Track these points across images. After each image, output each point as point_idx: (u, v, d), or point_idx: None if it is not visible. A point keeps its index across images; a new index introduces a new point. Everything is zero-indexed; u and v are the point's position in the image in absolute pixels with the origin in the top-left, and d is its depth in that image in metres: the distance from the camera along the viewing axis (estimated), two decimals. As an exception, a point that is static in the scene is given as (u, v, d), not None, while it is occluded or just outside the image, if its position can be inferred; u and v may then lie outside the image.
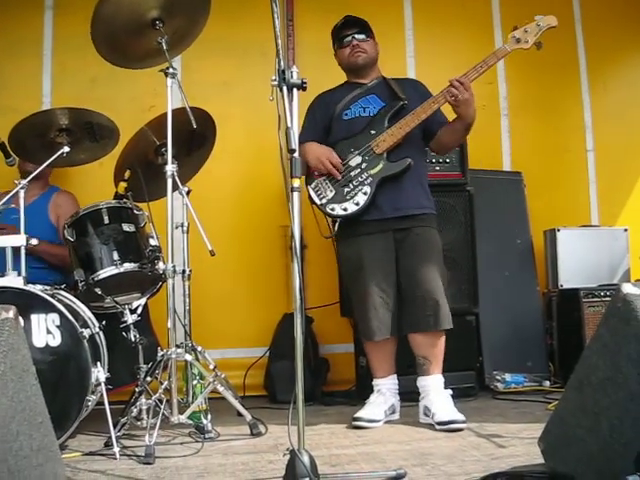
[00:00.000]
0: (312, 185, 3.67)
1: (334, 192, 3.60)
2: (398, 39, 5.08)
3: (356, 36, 3.76)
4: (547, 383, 4.43)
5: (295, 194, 2.32)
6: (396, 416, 3.64)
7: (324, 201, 3.61)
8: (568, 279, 4.75)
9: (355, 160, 3.60)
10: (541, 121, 5.32)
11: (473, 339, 4.38)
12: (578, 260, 4.80)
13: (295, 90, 2.34)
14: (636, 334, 1.99)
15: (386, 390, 3.63)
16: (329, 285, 4.58)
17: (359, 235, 3.62)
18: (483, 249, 4.50)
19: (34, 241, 3.42)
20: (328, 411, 3.99)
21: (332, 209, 3.59)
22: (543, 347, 4.68)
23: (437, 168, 4.30)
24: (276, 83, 2.32)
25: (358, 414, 3.49)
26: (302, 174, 3.63)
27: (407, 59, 5.11)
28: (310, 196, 3.66)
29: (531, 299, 4.77)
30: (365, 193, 3.54)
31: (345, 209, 3.57)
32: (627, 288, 2.06)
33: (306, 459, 2.19)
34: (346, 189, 3.58)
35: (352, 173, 3.59)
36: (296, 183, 2.32)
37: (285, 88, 2.30)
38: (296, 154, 2.27)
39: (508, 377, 4.38)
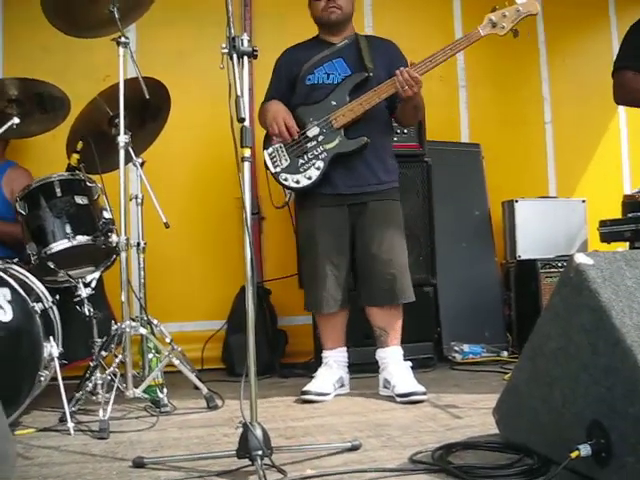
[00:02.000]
0: (269, 150, 3.61)
1: (288, 161, 3.54)
2: (356, 11, 5.01)
3: None
4: (505, 353, 4.48)
5: (246, 164, 2.28)
6: (346, 389, 3.62)
7: (278, 169, 3.56)
8: (526, 250, 4.79)
9: (313, 131, 3.53)
10: (499, 93, 5.34)
11: (431, 310, 4.40)
12: (536, 231, 4.85)
13: (246, 58, 2.29)
14: (588, 304, 1.99)
15: (333, 362, 3.60)
16: (287, 257, 4.55)
17: (314, 207, 3.58)
18: (441, 220, 4.51)
19: None
20: (286, 383, 3.99)
21: (285, 179, 3.55)
22: (501, 317, 4.74)
23: (395, 139, 4.24)
24: (226, 51, 2.27)
25: (306, 387, 3.47)
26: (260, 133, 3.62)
27: (365, 29, 5.05)
28: (265, 162, 3.61)
29: (489, 270, 4.82)
30: (318, 168, 3.50)
31: (297, 182, 3.53)
32: (579, 258, 2.06)
33: (259, 432, 2.18)
34: (300, 160, 3.53)
35: (308, 144, 3.53)
36: (246, 153, 2.27)
37: (235, 56, 2.24)
38: (246, 123, 2.22)
39: (466, 348, 4.42)
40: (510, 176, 5.15)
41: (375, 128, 3.58)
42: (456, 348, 4.42)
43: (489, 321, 4.67)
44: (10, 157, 4.19)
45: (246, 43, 2.29)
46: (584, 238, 4.94)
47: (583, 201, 5.01)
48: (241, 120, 2.20)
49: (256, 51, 2.31)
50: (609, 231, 4.54)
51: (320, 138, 3.52)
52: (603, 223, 4.60)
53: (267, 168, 3.61)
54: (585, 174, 5.45)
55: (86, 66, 4.50)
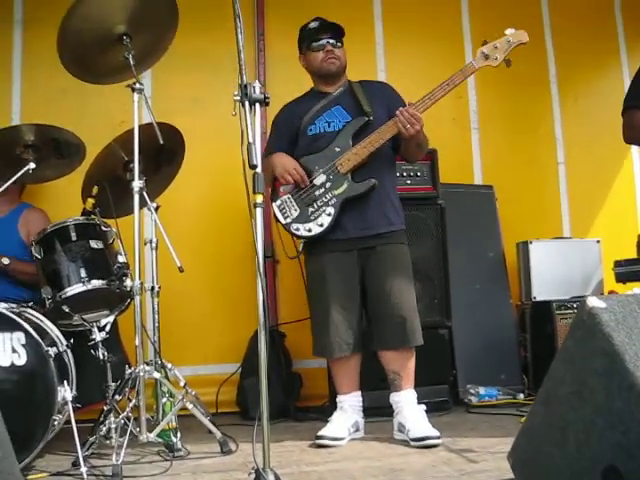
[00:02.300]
0: (277, 203, 3.64)
1: (298, 211, 3.57)
2: (369, 54, 5.09)
3: (330, 41, 3.68)
4: (521, 396, 4.43)
5: (258, 210, 2.30)
6: (360, 434, 3.59)
7: (288, 220, 3.58)
8: (541, 291, 4.77)
9: (320, 179, 3.56)
10: (512, 134, 5.36)
11: (446, 353, 4.38)
12: (551, 272, 4.82)
13: (258, 105, 2.32)
14: (601, 347, 1.98)
15: (348, 407, 3.59)
16: (301, 300, 4.50)
17: (323, 253, 3.59)
18: (455, 262, 4.50)
19: (5, 260, 3.40)
20: (300, 427, 3.96)
21: (296, 229, 3.57)
22: (517, 360, 4.69)
23: (408, 182, 4.30)
24: (238, 98, 2.30)
25: (321, 432, 3.45)
26: (268, 185, 3.66)
27: (378, 73, 5.12)
28: (274, 214, 3.64)
29: (504, 312, 4.78)
30: (329, 214, 3.51)
31: (309, 230, 3.54)
32: (592, 301, 2.05)
33: (271, 478, 2.16)
34: (310, 209, 3.55)
35: (316, 192, 3.55)
36: (259, 199, 2.29)
37: (247, 103, 2.28)
38: (259, 169, 2.25)
39: (482, 390, 4.38)
40: (524, 217, 5.15)
41: (381, 169, 3.61)
42: (472, 391, 4.38)
43: (505, 363, 4.63)
44: (27, 200, 4.25)
45: (258, 90, 2.33)
46: (599, 278, 4.90)
47: (598, 241, 4.98)
48: (253, 167, 2.23)
49: (268, 98, 2.35)
50: (624, 271, 4.53)
51: (328, 185, 3.54)
52: (618, 263, 4.60)
53: (277, 220, 3.64)
54: (599, 214, 5.43)
55: (102, 111, 4.58)
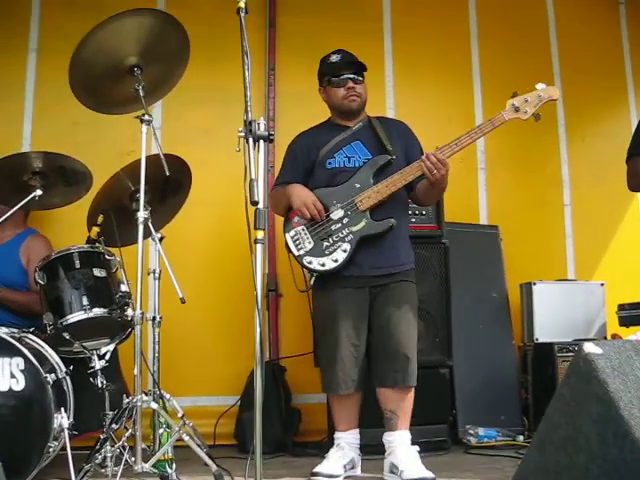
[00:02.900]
0: (291, 234, 3.60)
1: (312, 244, 3.54)
2: (378, 90, 5.12)
3: (352, 77, 3.66)
4: (521, 437, 4.39)
5: (258, 246, 2.31)
6: (357, 471, 3.57)
7: (302, 252, 3.55)
8: (544, 333, 4.75)
9: (337, 214, 3.53)
10: (518, 175, 5.39)
11: (446, 392, 4.35)
12: (554, 314, 4.81)
13: (262, 142, 2.34)
14: (596, 394, 1.97)
15: (345, 444, 3.55)
16: (303, 334, 4.54)
17: (335, 288, 3.56)
18: (458, 302, 4.50)
19: None
20: (297, 463, 3.93)
21: (309, 262, 3.53)
22: (517, 401, 4.67)
23: (413, 220, 4.29)
24: (243, 134, 2.33)
25: (317, 469, 3.43)
26: (280, 214, 3.65)
27: (387, 110, 5.16)
28: (287, 245, 3.61)
29: (506, 352, 4.77)
30: (345, 250, 3.48)
31: (323, 264, 3.51)
32: (588, 347, 2.04)
33: (263, 514, 2.15)
34: (325, 243, 3.52)
35: (333, 227, 3.52)
36: (259, 235, 2.31)
37: (251, 139, 2.30)
38: (260, 206, 2.27)
39: (481, 431, 4.34)
40: (529, 258, 5.16)
41: (398, 209, 3.62)
42: (471, 431, 4.34)
43: (505, 404, 4.60)
44: (34, 224, 4.28)
45: (262, 127, 2.35)
46: (602, 321, 4.89)
47: (602, 284, 4.97)
48: (254, 203, 2.24)
49: (272, 135, 2.37)
50: (628, 315, 4.53)
51: (345, 220, 3.52)
52: (622, 307, 4.59)
53: (289, 251, 3.60)
54: (604, 257, 5.43)
55: (112, 141, 4.64)
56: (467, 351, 4.55)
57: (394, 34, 5.34)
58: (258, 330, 2.33)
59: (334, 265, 3.50)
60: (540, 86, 3.47)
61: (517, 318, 4.91)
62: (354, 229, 3.50)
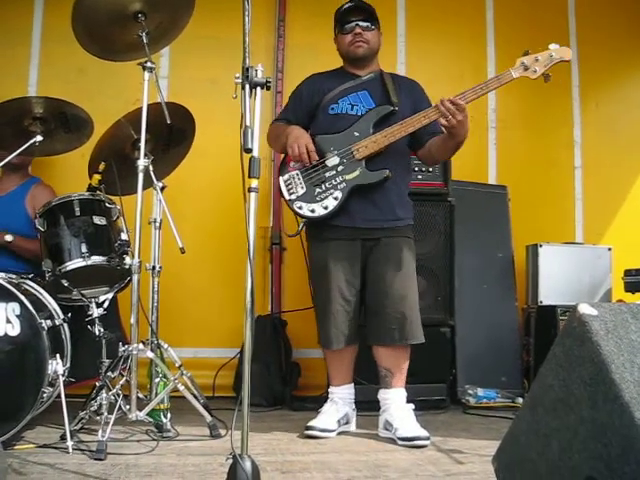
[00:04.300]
0: (284, 177, 3.55)
1: (305, 190, 3.48)
2: (390, 46, 5.02)
3: (360, 23, 3.58)
4: (520, 400, 4.36)
5: (252, 194, 2.28)
6: (351, 426, 3.57)
7: (293, 197, 3.50)
8: (548, 295, 4.71)
9: (333, 160, 3.47)
10: (530, 135, 5.31)
11: (447, 351, 4.34)
12: (559, 277, 4.77)
13: (259, 89, 2.30)
14: (589, 356, 1.94)
15: (339, 399, 3.55)
16: (306, 289, 4.51)
17: (327, 240, 3.52)
18: (463, 261, 4.48)
19: (9, 237, 3.40)
20: (295, 416, 3.94)
21: (299, 207, 3.48)
22: (519, 363, 4.65)
23: (419, 177, 4.25)
24: (239, 81, 2.29)
25: (311, 423, 3.42)
26: (278, 152, 3.58)
27: (398, 66, 5.09)
28: (280, 188, 3.56)
29: (509, 314, 4.74)
30: (336, 198, 3.43)
31: (313, 210, 3.46)
32: (583, 308, 2.01)
33: (248, 465, 2.15)
34: (317, 189, 3.46)
35: (327, 174, 3.47)
36: (253, 183, 2.28)
37: (248, 86, 2.26)
38: (255, 153, 2.23)
39: (480, 392, 4.33)
40: (537, 220, 5.10)
41: (396, 163, 3.53)
42: (470, 392, 4.33)
43: (506, 366, 4.58)
44: (38, 172, 4.26)
45: (260, 74, 2.31)
46: (608, 287, 4.84)
47: (609, 249, 4.91)
48: (248, 151, 2.21)
49: (269, 82, 2.32)
50: (634, 280, 4.49)
51: (340, 168, 3.46)
52: (628, 272, 4.55)
53: (282, 195, 3.57)
54: (614, 221, 5.36)
55: (118, 89, 4.59)
56: (470, 311, 4.53)
57: (407, -9, 5.24)
58: (249, 280, 2.29)
59: (324, 212, 3.45)
60: (553, 46, 3.36)
61: (522, 280, 4.87)
62: (348, 177, 3.45)
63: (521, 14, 5.10)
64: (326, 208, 3.45)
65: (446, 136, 3.43)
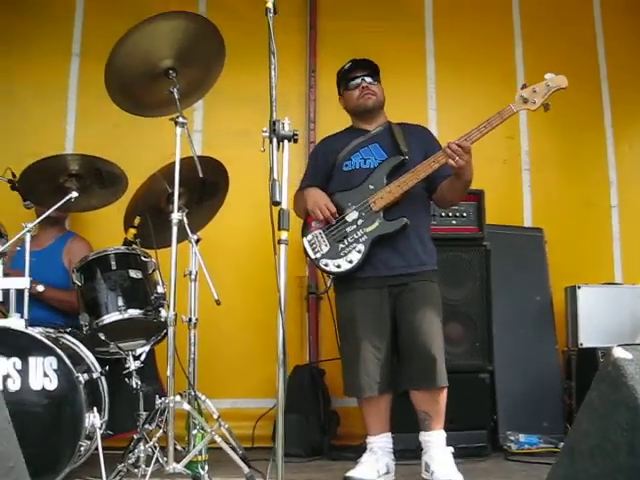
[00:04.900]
0: (308, 238, 3.63)
1: (329, 247, 3.55)
2: (420, 92, 5.09)
3: (366, 79, 3.71)
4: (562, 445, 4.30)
5: (282, 246, 2.31)
6: (391, 476, 3.51)
7: (318, 255, 3.57)
8: (588, 338, 4.63)
9: (352, 215, 3.54)
10: (564, 176, 5.29)
11: (487, 397, 4.27)
12: (599, 318, 4.69)
13: (286, 142, 2.33)
14: (625, 401, 1.92)
15: (378, 449, 3.51)
16: (343, 337, 4.53)
17: (353, 289, 3.56)
18: (501, 305, 4.44)
19: (40, 288, 3.46)
20: (334, 466, 3.91)
21: (325, 264, 3.55)
22: (560, 407, 4.57)
23: (453, 222, 4.26)
24: (267, 134, 2.32)
25: (349, 473, 3.39)
26: (302, 217, 3.65)
27: (429, 112, 5.12)
28: (305, 249, 3.63)
29: (549, 357, 4.67)
30: (359, 251, 3.48)
31: (338, 266, 3.52)
32: (618, 352, 2.00)
33: (283, 517, 2.14)
34: (341, 245, 3.53)
35: (348, 229, 3.53)
36: (283, 235, 2.30)
37: (275, 139, 2.29)
38: (284, 205, 2.26)
39: (522, 437, 4.25)
40: (574, 261, 5.05)
41: (414, 210, 3.58)
42: (512, 438, 4.25)
43: (548, 410, 4.50)
44: (76, 227, 4.34)
45: (287, 127, 2.35)
46: (650, 327, 4.76)
47: (649, 288, 4.83)
48: (276, 204, 2.24)
49: (296, 135, 2.36)
50: (675, 321, 4.39)
51: (360, 222, 3.52)
52: (668, 312, 4.46)
53: (307, 255, 3.63)
54: (653, 260, 5.28)
55: (154, 144, 4.67)
56: (509, 355, 4.47)
57: (436, 34, 5.29)
58: (280, 332, 2.33)
59: (349, 266, 3.50)
60: (549, 76, 3.39)
61: (561, 322, 4.80)
62: (368, 230, 3.50)
63: (550, 57, 5.10)
64: (351, 262, 3.50)
65: (453, 177, 3.48)
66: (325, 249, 3.56)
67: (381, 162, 3.62)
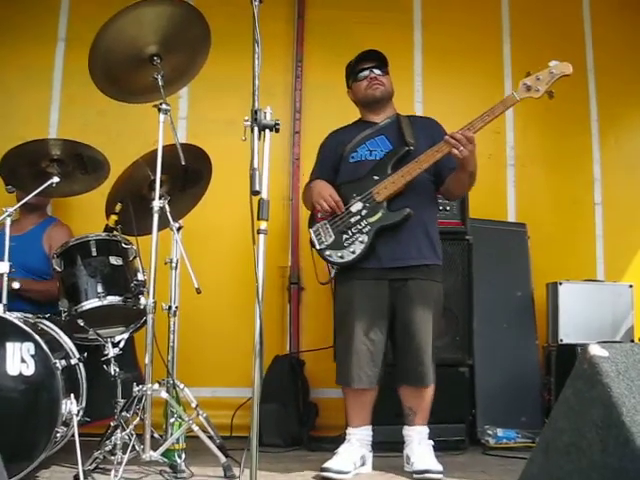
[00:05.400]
0: (313, 229, 3.64)
1: (333, 238, 3.55)
2: (407, 84, 5.06)
3: (374, 70, 3.71)
4: (541, 440, 4.31)
5: (261, 236, 2.30)
6: (367, 468, 3.53)
7: (323, 246, 3.57)
8: (568, 334, 4.64)
9: (356, 206, 3.54)
10: (548, 172, 5.29)
11: (465, 391, 4.28)
12: (580, 315, 4.69)
13: (268, 131, 2.32)
14: (600, 399, 1.92)
15: (356, 440, 3.52)
16: (324, 328, 4.50)
17: (354, 279, 3.56)
18: (482, 300, 4.45)
19: (15, 284, 3.42)
20: (311, 457, 3.90)
21: (329, 255, 3.55)
22: (539, 402, 4.58)
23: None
24: (248, 124, 2.31)
25: (326, 464, 3.39)
26: (310, 210, 3.63)
27: (415, 105, 5.11)
28: (310, 239, 3.64)
29: (529, 353, 4.68)
30: (362, 242, 3.49)
31: (342, 257, 3.52)
32: (594, 349, 2.00)
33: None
34: (345, 236, 3.53)
35: (352, 219, 3.53)
36: (262, 225, 2.29)
37: (256, 129, 2.28)
38: (264, 195, 2.25)
39: (500, 432, 4.26)
40: (556, 257, 5.05)
41: (419, 201, 3.58)
42: (489, 432, 4.26)
43: (527, 405, 4.51)
44: (58, 212, 4.31)
45: (269, 116, 2.33)
46: (630, 324, 4.76)
47: (630, 286, 4.83)
48: (255, 193, 2.23)
49: (278, 125, 2.35)
50: (657, 318, 4.41)
51: (363, 212, 3.52)
52: (650, 309, 4.48)
53: (312, 245, 3.63)
54: (635, 259, 5.28)
55: (137, 130, 4.63)
56: (489, 350, 4.48)
57: (424, 27, 5.27)
58: (258, 322, 2.32)
59: (352, 257, 3.51)
60: (553, 63, 3.37)
61: (542, 318, 4.81)
62: (371, 220, 3.50)
63: (538, 52, 5.07)
64: (354, 252, 3.50)
65: (458, 169, 3.49)
66: (330, 240, 3.56)
67: (386, 153, 3.62)
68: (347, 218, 3.55)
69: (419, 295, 3.52)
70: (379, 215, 3.51)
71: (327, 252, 3.56)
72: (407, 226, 3.52)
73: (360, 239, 3.50)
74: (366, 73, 3.72)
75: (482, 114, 3.42)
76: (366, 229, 3.50)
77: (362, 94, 3.75)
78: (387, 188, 3.50)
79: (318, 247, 3.60)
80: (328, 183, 3.67)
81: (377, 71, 3.72)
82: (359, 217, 3.53)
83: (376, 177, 3.56)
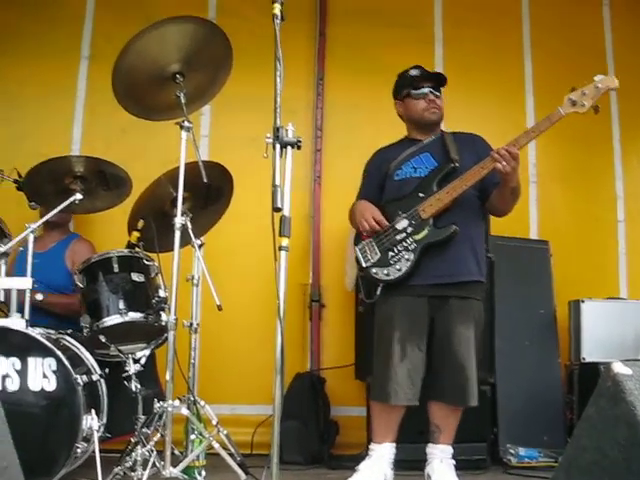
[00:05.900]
0: (359, 246, 3.62)
1: (379, 255, 3.52)
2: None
3: (433, 91, 3.68)
4: (563, 459, 4.26)
5: (282, 253, 2.30)
6: (388, 486, 3.50)
7: (369, 264, 3.54)
8: (591, 352, 4.59)
9: (402, 223, 3.51)
10: (570, 189, 5.27)
11: (487, 409, 4.24)
12: (603, 333, 4.64)
13: (290, 148, 2.33)
14: (624, 417, 1.90)
15: (378, 457, 3.46)
16: (345, 346, 4.53)
17: (394, 296, 3.51)
18: (504, 317, 4.44)
19: (39, 296, 3.45)
20: (332, 475, 3.90)
21: (375, 273, 3.51)
22: (562, 421, 4.53)
23: (458, 233, 4.24)
24: (270, 141, 2.32)
25: None
26: (356, 229, 3.63)
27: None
28: (356, 257, 3.61)
29: (552, 371, 4.65)
30: (408, 259, 3.46)
31: (388, 274, 3.48)
32: (617, 367, 1.98)
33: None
34: (391, 253, 3.50)
35: (398, 237, 3.50)
36: (284, 242, 2.30)
37: (278, 146, 2.29)
38: (286, 212, 2.26)
39: (522, 451, 4.23)
40: (579, 275, 5.02)
41: (466, 216, 3.55)
42: (511, 451, 4.23)
43: (549, 424, 4.47)
44: (81, 229, 4.36)
45: (291, 134, 2.34)
46: (654, 343, 4.73)
47: (654, 304, 4.80)
48: (277, 210, 2.24)
49: (300, 142, 2.35)
50: (680, 337, 4.36)
51: (409, 230, 3.49)
52: (674, 328, 4.43)
53: (358, 263, 3.60)
54: (659, 276, 5.25)
55: (160, 148, 4.65)
56: (511, 368, 4.45)
57: (445, 43, 5.28)
58: (279, 339, 2.31)
59: (398, 274, 3.47)
60: (598, 77, 3.34)
61: (565, 336, 4.77)
62: (417, 238, 3.48)
63: (559, 69, 5.07)
64: (400, 270, 3.47)
65: (501, 184, 3.46)
66: (375, 257, 3.53)
67: (431, 170, 3.60)
68: (393, 235, 3.52)
69: (460, 312, 3.48)
70: (425, 232, 3.47)
71: (373, 270, 3.52)
72: (454, 243, 3.49)
73: (406, 257, 3.47)
74: (425, 91, 3.67)
75: (527, 130, 3.42)
76: (412, 246, 3.47)
77: (418, 115, 3.71)
78: (433, 205, 3.47)
79: (364, 265, 3.56)
80: (373, 202, 3.66)
81: (435, 92, 3.69)
82: (405, 234, 3.50)
83: (421, 194, 3.54)
